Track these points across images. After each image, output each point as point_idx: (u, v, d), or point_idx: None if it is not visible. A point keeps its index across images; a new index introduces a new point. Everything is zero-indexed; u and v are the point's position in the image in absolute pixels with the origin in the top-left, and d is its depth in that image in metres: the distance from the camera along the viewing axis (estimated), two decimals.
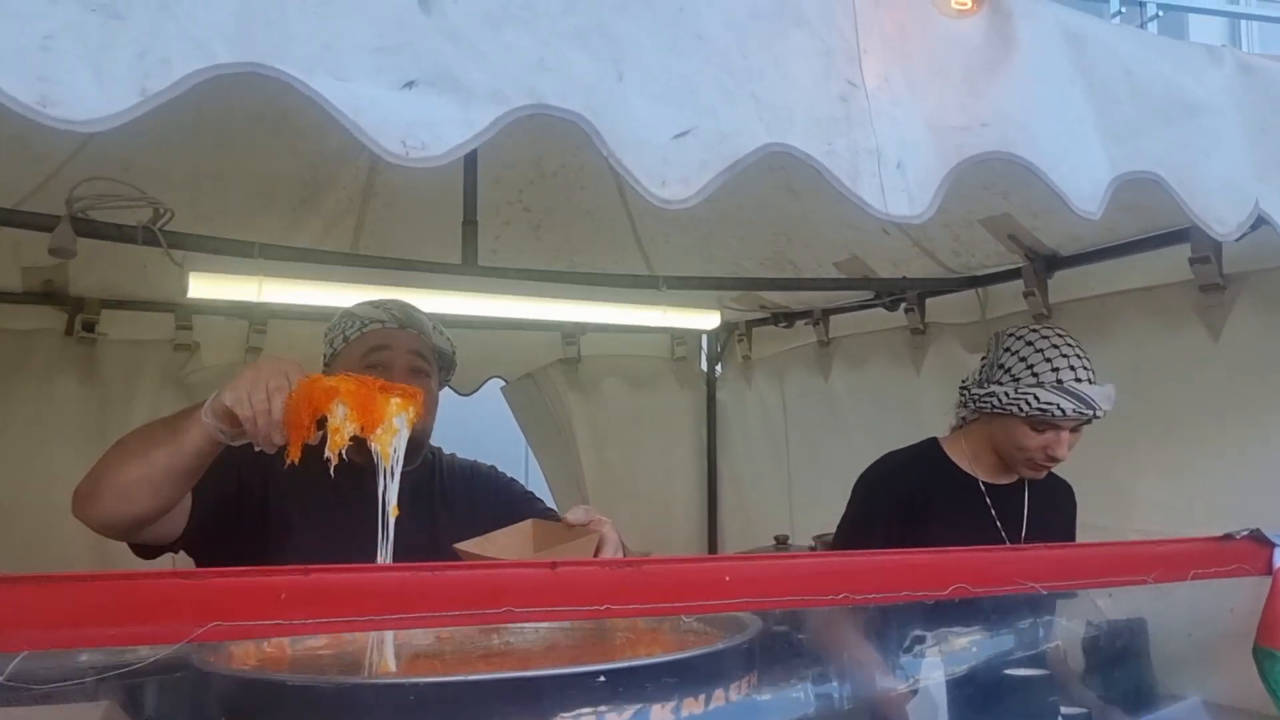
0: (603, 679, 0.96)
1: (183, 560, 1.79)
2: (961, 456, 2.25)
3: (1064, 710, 1.36)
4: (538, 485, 4.34)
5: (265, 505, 1.82)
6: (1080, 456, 2.59)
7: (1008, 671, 1.33)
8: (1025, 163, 1.17)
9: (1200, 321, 2.58)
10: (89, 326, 3.56)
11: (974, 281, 3.26)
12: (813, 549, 3.10)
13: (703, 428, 4.56)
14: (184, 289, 2.14)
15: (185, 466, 1.53)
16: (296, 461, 1.49)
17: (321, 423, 1.47)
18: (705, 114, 1.05)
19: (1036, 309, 2.98)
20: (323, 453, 1.90)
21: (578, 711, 0.96)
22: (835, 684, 1.22)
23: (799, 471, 4.02)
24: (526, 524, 1.63)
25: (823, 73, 1.13)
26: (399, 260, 2.36)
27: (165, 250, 2.13)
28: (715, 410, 4.56)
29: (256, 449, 1.48)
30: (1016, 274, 3.06)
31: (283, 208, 3.45)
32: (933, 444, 2.31)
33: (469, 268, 2.44)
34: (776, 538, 3.42)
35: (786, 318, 4.05)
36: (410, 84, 0.96)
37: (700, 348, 4.68)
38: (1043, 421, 2.06)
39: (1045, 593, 1.20)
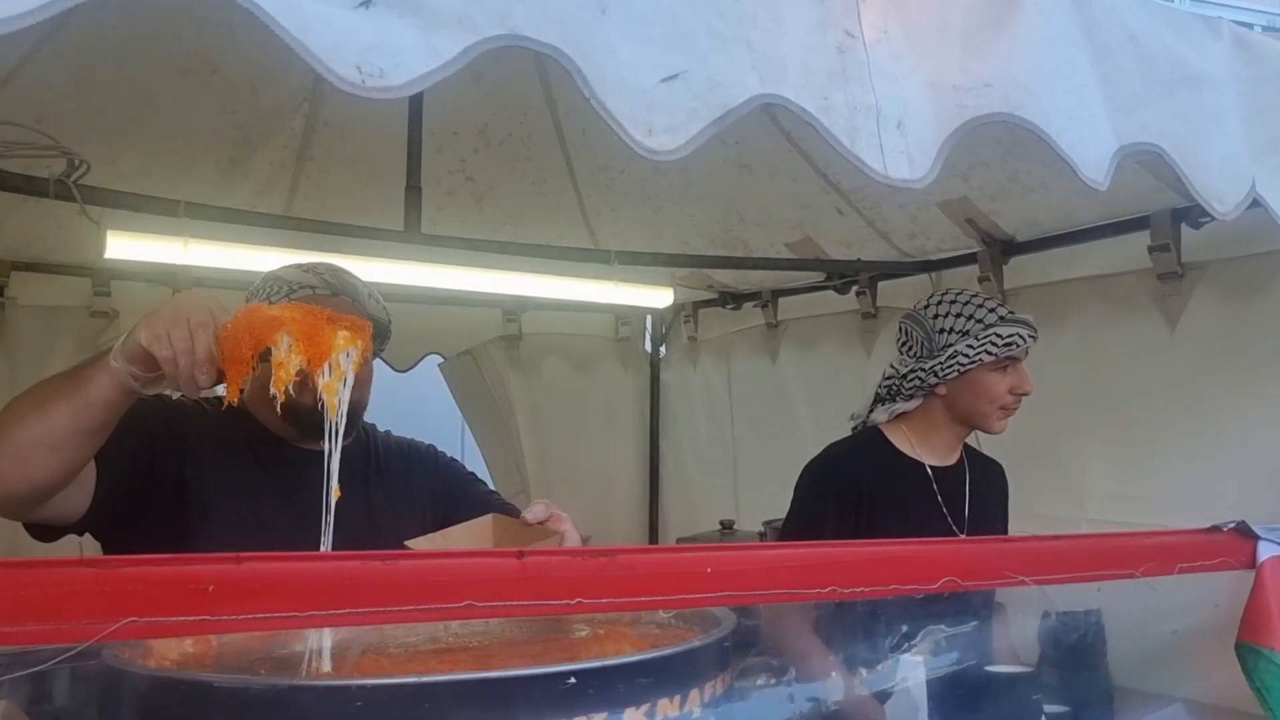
0: (573, 680, 0.87)
1: (89, 545, 1.62)
2: (905, 442, 2.21)
3: (1047, 708, 1.30)
4: (475, 465, 4.21)
5: (181, 484, 1.64)
6: (1032, 444, 2.56)
7: (990, 669, 1.26)
8: (1032, 126, 1.10)
9: (1157, 310, 2.56)
10: None
11: (928, 266, 3.21)
12: (762, 535, 3.03)
13: (646, 410, 4.48)
14: (101, 249, 1.97)
15: (90, 423, 1.35)
16: (236, 402, 1.34)
17: (263, 356, 1.30)
18: (695, 58, 0.95)
19: (991, 294, 2.95)
20: (241, 427, 1.75)
21: (546, 716, 0.87)
22: (809, 683, 1.14)
23: (745, 456, 3.95)
24: (486, 520, 1.49)
25: (818, 21, 1.04)
26: (336, 225, 2.22)
27: (80, 206, 1.96)
28: (658, 392, 4.48)
29: (176, 395, 1.31)
30: (972, 259, 3.02)
31: (210, 169, 3.27)
32: (876, 432, 2.26)
33: (412, 235, 2.31)
34: (722, 523, 3.35)
35: (734, 299, 3.98)
36: (366, 2, 0.84)
37: (644, 328, 4.59)
38: (1008, 356, 2.10)
39: (1032, 585, 1.13)
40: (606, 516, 4.33)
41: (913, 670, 1.15)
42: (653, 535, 4.47)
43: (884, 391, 2.25)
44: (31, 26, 2.66)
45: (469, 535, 1.49)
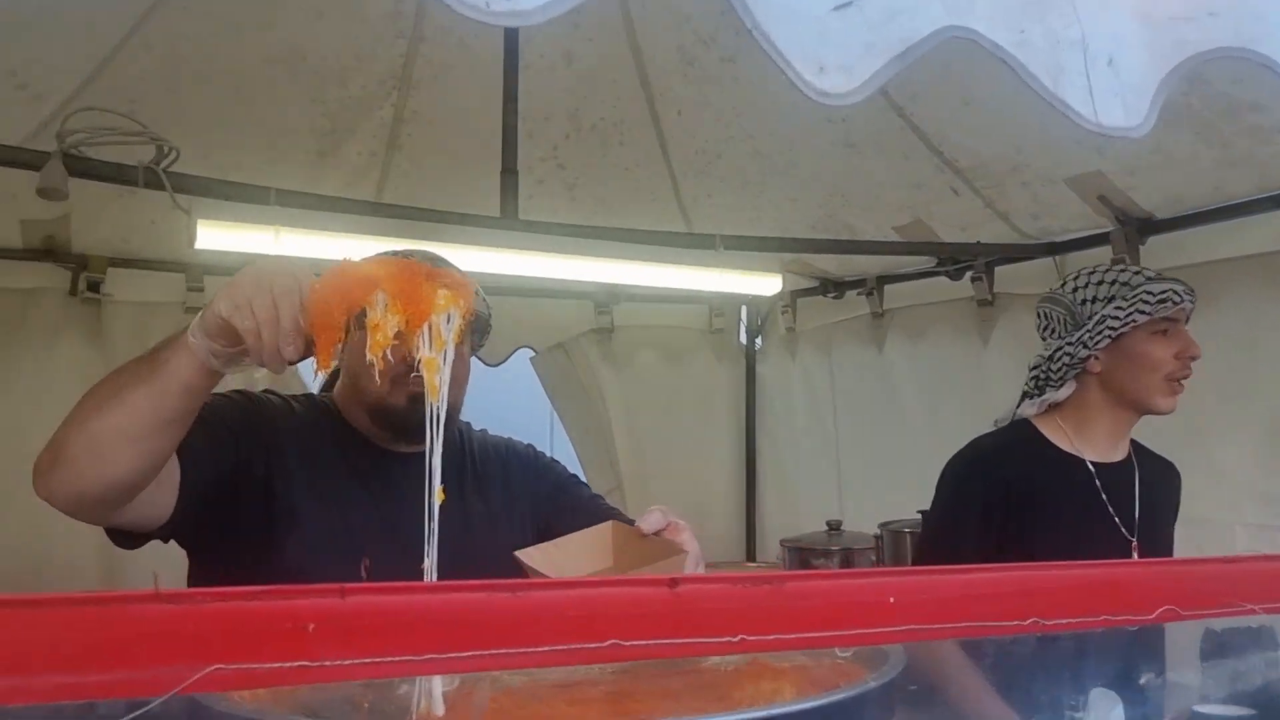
0: None
1: (171, 557, 1.51)
2: (1061, 436, 1.99)
3: None
4: (566, 461, 4.08)
5: (269, 488, 1.52)
6: (1178, 441, 2.32)
7: (1201, 710, 1.08)
8: (1270, 63, 0.91)
9: None
10: (94, 286, 3.34)
11: (1052, 248, 2.98)
12: (878, 539, 2.84)
13: (741, 404, 4.31)
14: (191, 239, 1.88)
15: (171, 410, 1.22)
16: (326, 370, 1.20)
17: (357, 323, 1.15)
18: None
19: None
20: (330, 428, 1.63)
21: None
22: None
23: (849, 453, 3.75)
24: (605, 527, 1.33)
25: None
26: (432, 212, 2.10)
27: (170, 194, 1.88)
28: (755, 385, 4.30)
29: (258, 370, 1.17)
30: (1102, 240, 2.78)
31: (300, 160, 3.22)
32: (1027, 425, 2.04)
33: (509, 221, 2.18)
34: (829, 523, 3.17)
35: (836, 287, 3.78)
36: None
37: (739, 320, 4.42)
38: (1166, 317, 1.90)
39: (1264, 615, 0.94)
40: (703, 515, 4.18)
41: (1109, 713, 0.98)
42: (750, 534, 4.31)
43: (1031, 386, 2.04)
44: (119, 17, 2.59)
45: (586, 545, 1.34)
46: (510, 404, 4.24)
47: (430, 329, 1.11)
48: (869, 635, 0.82)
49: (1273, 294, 2.45)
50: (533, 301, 3.87)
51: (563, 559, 1.28)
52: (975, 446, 2.00)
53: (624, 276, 2.39)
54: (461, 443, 1.79)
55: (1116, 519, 1.90)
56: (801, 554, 3.13)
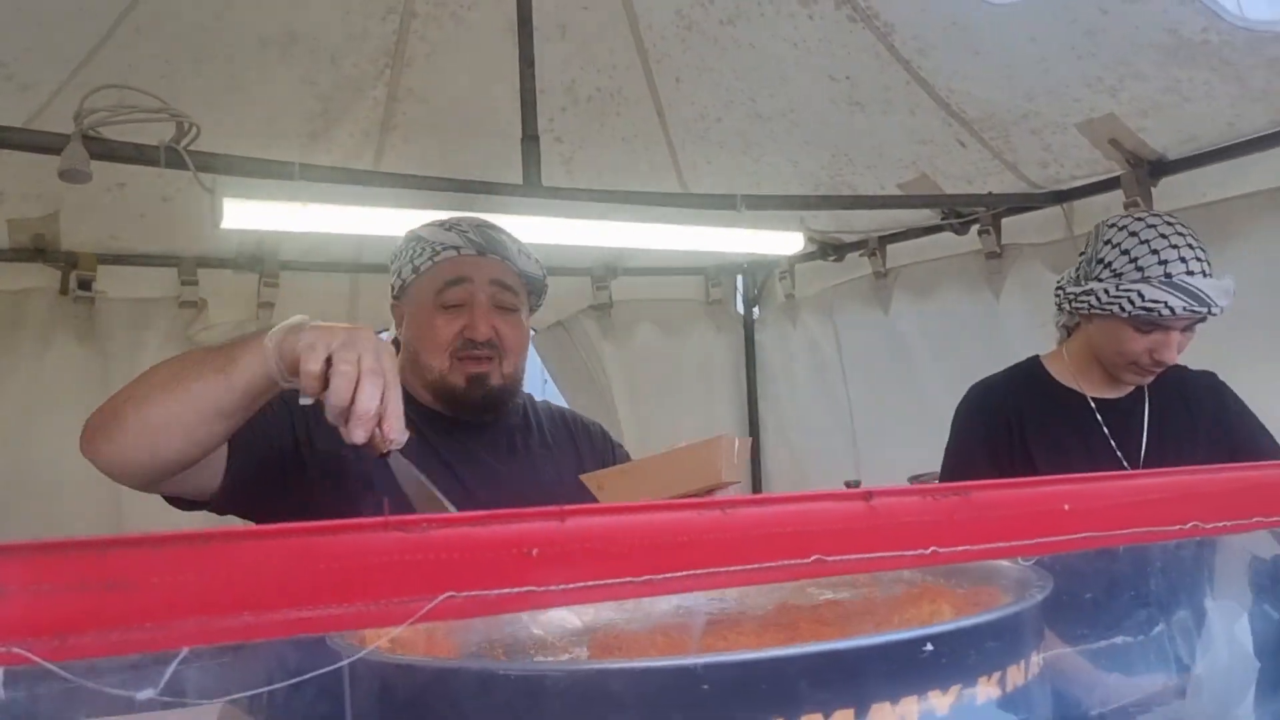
0: (930, 647, 0.70)
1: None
2: (1063, 371, 1.97)
3: None
4: None
5: (341, 461, 1.49)
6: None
7: None
8: None
9: None
10: (85, 284, 3.25)
11: (1060, 196, 2.99)
12: None
13: (742, 373, 4.30)
14: (217, 219, 1.82)
15: (229, 405, 1.21)
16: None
17: None
18: None
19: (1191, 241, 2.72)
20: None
21: (896, 690, 0.71)
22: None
23: (863, 414, 3.74)
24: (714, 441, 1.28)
25: None
26: (455, 181, 2.06)
27: (194, 173, 1.82)
28: (754, 354, 4.30)
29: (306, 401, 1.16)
30: (1113, 184, 2.79)
31: (292, 145, 3.15)
32: (1033, 361, 2.05)
33: (533, 189, 2.14)
34: (848, 483, 3.17)
35: (835, 250, 3.77)
36: None
37: (735, 289, 4.41)
38: (1148, 321, 1.76)
39: None
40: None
41: (1232, 619, 0.97)
42: None
43: (1059, 298, 1.99)
44: (109, 2, 2.52)
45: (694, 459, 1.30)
46: None
47: None
48: (1048, 544, 0.81)
49: None
50: None
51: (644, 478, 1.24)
52: (979, 384, 2.02)
53: (651, 240, 2.36)
54: (525, 411, 1.78)
55: (1119, 452, 1.88)
56: None
